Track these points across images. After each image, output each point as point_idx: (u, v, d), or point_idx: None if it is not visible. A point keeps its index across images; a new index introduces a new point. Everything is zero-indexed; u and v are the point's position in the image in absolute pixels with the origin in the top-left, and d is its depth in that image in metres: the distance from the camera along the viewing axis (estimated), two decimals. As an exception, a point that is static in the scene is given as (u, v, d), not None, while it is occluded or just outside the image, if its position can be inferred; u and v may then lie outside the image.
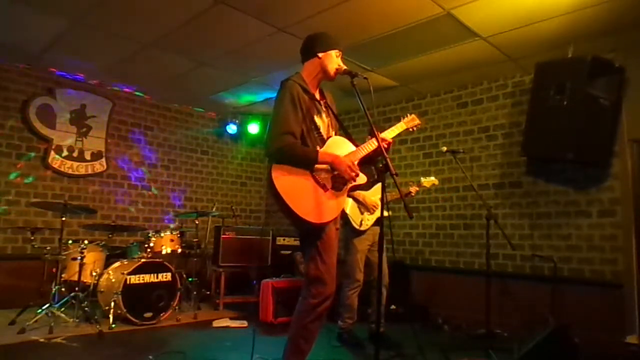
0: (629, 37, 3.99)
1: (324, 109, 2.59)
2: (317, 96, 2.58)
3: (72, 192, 5.46)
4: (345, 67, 2.53)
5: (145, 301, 4.30)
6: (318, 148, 2.42)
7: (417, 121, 2.87)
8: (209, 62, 4.92)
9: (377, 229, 3.96)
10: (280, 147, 2.30)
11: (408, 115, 2.89)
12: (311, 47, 2.55)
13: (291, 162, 2.32)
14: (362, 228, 3.91)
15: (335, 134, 2.65)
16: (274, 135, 2.34)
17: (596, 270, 4.20)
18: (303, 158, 2.34)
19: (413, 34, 4.09)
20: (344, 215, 3.97)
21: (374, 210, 3.90)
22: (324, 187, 2.38)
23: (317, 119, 2.49)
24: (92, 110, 5.72)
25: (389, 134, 2.69)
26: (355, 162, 2.45)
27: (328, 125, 2.59)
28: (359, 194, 3.88)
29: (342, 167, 2.36)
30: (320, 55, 2.52)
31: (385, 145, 2.51)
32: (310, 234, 2.41)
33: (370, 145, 2.53)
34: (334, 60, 2.52)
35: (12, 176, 5.09)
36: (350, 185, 2.48)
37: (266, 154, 2.39)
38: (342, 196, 2.45)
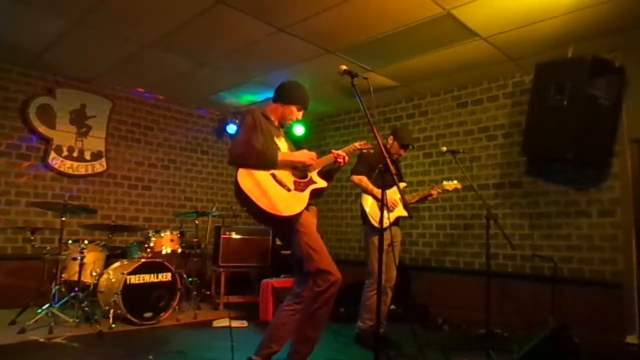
0: (629, 37, 3.98)
1: (283, 135, 2.89)
2: (277, 125, 2.90)
3: (72, 192, 5.47)
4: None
5: (145, 301, 4.30)
6: None
7: (369, 145, 3.08)
8: (209, 62, 4.92)
9: (396, 229, 3.98)
10: (241, 152, 2.57)
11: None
12: (278, 94, 2.90)
13: (252, 163, 2.56)
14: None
15: None
16: (235, 146, 2.65)
17: (596, 270, 4.20)
18: (263, 159, 2.58)
19: (413, 34, 4.09)
20: (362, 214, 3.98)
21: (394, 208, 3.91)
22: (286, 188, 2.62)
23: (277, 141, 2.77)
24: (92, 110, 5.72)
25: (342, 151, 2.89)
26: (315, 173, 2.80)
27: (288, 148, 2.86)
28: (379, 192, 3.87)
29: (302, 158, 2.70)
30: (282, 105, 2.87)
31: (341, 161, 2.81)
32: (288, 232, 2.63)
33: (326, 158, 2.80)
34: (292, 113, 2.88)
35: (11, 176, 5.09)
36: (312, 188, 2.72)
37: (229, 163, 2.66)
38: (304, 196, 2.67)
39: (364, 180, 3.89)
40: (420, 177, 5.65)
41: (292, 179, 2.69)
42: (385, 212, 3.91)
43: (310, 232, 2.61)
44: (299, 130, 6.73)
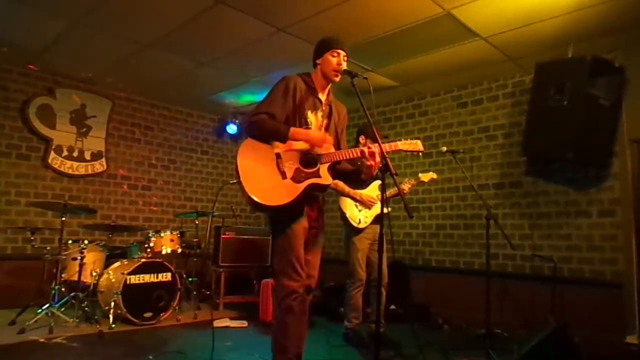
0: (629, 37, 3.98)
1: (324, 109, 2.61)
2: (322, 97, 2.62)
3: (72, 192, 5.47)
4: (345, 67, 2.54)
5: (145, 301, 4.30)
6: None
7: (420, 147, 2.62)
8: (209, 62, 4.91)
9: (377, 227, 3.98)
10: (255, 120, 2.44)
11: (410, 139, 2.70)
12: (313, 58, 2.64)
13: (262, 135, 2.44)
14: (361, 226, 3.93)
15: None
16: (254, 111, 2.49)
17: (596, 270, 4.20)
18: (272, 130, 2.44)
19: (413, 34, 4.09)
20: (342, 216, 3.99)
21: (372, 205, 3.91)
22: (283, 174, 2.42)
23: (310, 114, 2.54)
24: (92, 110, 5.73)
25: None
26: (326, 166, 2.47)
27: (321, 125, 2.60)
28: (356, 192, 3.90)
29: (315, 139, 2.44)
30: (318, 62, 2.61)
31: (368, 162, 2.43)
32: (273, 222, 2.51)
33: (352, 152, 2.48)
34: (329, 62, 2.55)
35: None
36: (310, 182, 2.42)
37: (242, 127, 2.50)
38: (297, 188, 2.41)
39: (339, 184, 3.86)
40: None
41: (295, 166, 2.43)
42: (364, 212, 3.95)
43: (293, 237, 2.42)
44: None
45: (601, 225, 4.23)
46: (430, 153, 5.59)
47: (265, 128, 2.43)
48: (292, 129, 2.43)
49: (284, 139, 2.42)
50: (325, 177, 2.46)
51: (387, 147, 2.52)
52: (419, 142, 2.62)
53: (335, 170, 2.62)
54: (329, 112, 2.65)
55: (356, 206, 3.96)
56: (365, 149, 2.42)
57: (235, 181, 2.48)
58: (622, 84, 4.06)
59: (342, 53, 2.56)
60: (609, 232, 4.17)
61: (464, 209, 5.20)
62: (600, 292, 4.10)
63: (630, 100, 4.10)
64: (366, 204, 3.93)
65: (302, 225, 2.48)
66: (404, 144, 2.58)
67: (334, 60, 2.54)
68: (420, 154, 2.66)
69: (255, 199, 2.35)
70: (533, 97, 4.30)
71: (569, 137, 4.00)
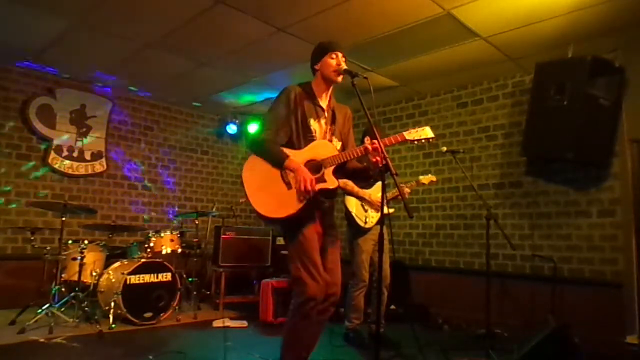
0: (629, 37, 3.98)
1: (326, 115, 2.63)
2: (324, 103, 2.64)
3: (72, 192, 5.46)
4: (345, 66, 2.54)
5: (145, 301, 4.30)
6: (290, 151, 2.48)
7: (429, 134, 2.53)
8: (209, 62, 4.91)
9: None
10: (258, 140, 2.52)
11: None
12: (311, 62, 2.66)
13: (262, 156, 2.50)
14: (368, 225, 3.93)
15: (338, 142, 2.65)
16: (259, 129, 2.58)
17: (596, 270, 4.20)
18: (271, 157, 2.48)
19: (413, 34, 4.09)
20: (347, 216, 3.99)
21: (379, 208, 3.91)
22: (288, 184, 2.44)
23: (312, 122, 2.55)
24: (92, 110, 5.72)
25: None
26: (330, 170, 2.46)
27: (326, 132, 2.61)
28: (365, 192, 3.91)
29: (298, 178, 2.39)
30: (317, 67, 2.62)
31: (374, 158, 2.37)
32: (284, 232, 2.53)
33: (355, 152, 2.49)
34: (329, 64, 2.55)
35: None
36: (317, 187, 2.43)
37: (247, 144, 2.55)
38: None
39: (348, 184, 3.88)
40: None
41: None
42: (370, 212, 3.96)
43: (306, 242, 2.42)
44: None
45: (601, 225, 4.23)
46: (430, 153, 5.59)
47: (266, 152, 2.49)
48: (288, 160, 2.42)
49: (279, 167, 2.46)
50: (330, 181, 2.46)
51: (392, 139, 2.49)
52: (427, 128, 2.54)
53: (344, 170, 2.64)
54: (332, 117, 2.65)
55: (362, 205, 3.96)
56: (369, 145, 2.41)
57: (243, 199, 2.51)
58: (622, 84, 4.06)
59: (340, 54, 2.57)
60: (609, 232, 4.18)
61: (464, 209, 5.20)
62: (600, 292, 4.10)
63: (630, 100, 4.10)
64: (374, 205, 3.93)
65: (313, 230, 2.48)
66: (410, 134, 2.52)
67: (333, 62, 2.55)
68: (431, 140, 2.54)
69: (262, 212, 2.41)
70: (533, 97, 4.30)
71: (569, 137, 4.00)
